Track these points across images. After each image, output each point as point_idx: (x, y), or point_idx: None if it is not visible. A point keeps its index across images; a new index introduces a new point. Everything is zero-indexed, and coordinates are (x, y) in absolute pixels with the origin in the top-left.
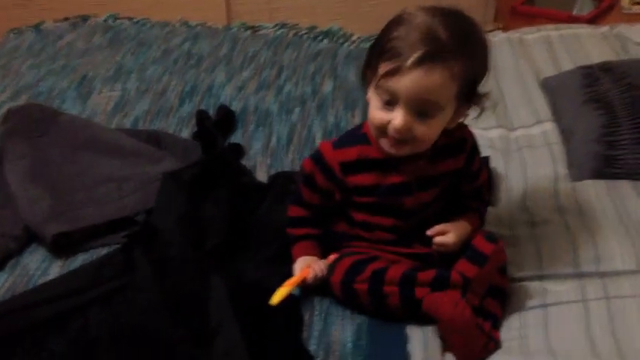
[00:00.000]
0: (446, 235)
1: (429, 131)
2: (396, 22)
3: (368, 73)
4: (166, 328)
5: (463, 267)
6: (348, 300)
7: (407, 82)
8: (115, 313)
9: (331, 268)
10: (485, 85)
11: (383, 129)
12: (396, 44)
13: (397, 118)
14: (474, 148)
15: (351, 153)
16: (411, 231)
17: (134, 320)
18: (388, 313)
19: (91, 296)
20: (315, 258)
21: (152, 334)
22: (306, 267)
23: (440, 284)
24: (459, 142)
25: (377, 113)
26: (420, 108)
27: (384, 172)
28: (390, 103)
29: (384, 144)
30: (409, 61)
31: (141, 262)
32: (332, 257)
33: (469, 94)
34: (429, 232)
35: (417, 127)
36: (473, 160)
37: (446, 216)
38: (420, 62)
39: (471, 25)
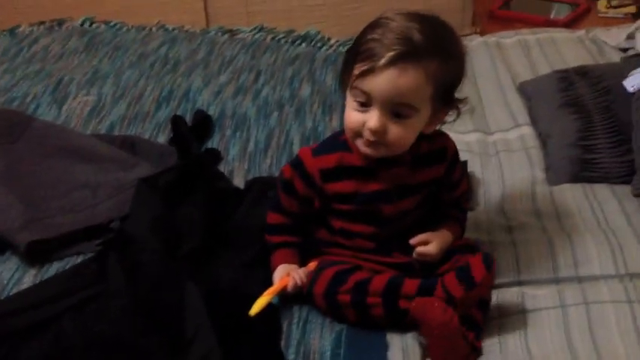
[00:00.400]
0: (428, 245)
1: (404, 133)
2: (373, 25)
3: (345, 77)
4: (140, 336)
5: (450, 284)
6: (331, 311)
7: (381, 81)
8: (89, 322)
9: (313, 279)
10: (463, 90)
11: (358, 131)
12: (371, 45)
13: (372, 119)
14: (455, 157)
15: (331, 160)
16: (390, 239)
17: (107, 329)
18: (372, 323)
19: (65, 305)
20: (294, 266)
21: (126, 343)
22: (286, 275)
23: (424, 295)
24: (440, 151)
25: (352, 115)
26: (395, 109)
27: (363, 179)
28: (364, 105)
29: (360, 144)
30: (382, 61)
31: (114, 270)
32: (312, 265)
33: (445, 98)
34: (411, 242)
35: (392, 129)
36: (454, 169)
37: (426, 224)
38: (393, 62)
39: (446, 30)
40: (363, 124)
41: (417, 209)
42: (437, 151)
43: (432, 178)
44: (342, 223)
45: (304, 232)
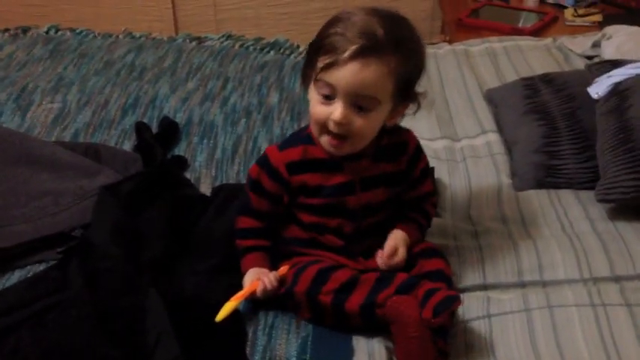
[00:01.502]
0: (397, 253)
1: (367, 125)
2: (335, 20)
3: (308, 70)
4: (101, 345)
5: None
6: (312, 310)
7: (344, 74)
8: (48, 332)
9: (295, 278)
10: (431, 96)
11: (323, 123)
12: (334, 39)
13: (336, 110)
14: (417, 152)
15: (296, 153)
16: (358, 237)
17: (66, 339)
18: (347, 328)
19: (25, 314)
20: (265, 270)
21: (86, 353)
22: (256, 279)
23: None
24: (401, 145)
25: (317, 108)
26: (358, 101)
27: (328, 172)
28: (329, 98)
29: (325, 143)
30: (346, 54)
31: (74, 278)
32: (283, 269)
33: (406, 93)
34: (382, 255)
35: (356, 121)
36: (415, 164)
37: (389, 228)
38: (356, 55)
39: (407, 26)
40: (328, 116)
41: (383, 207)
42: (398, 145)
43: (394, 171)
44: (310, 217)
45: (275, 235)
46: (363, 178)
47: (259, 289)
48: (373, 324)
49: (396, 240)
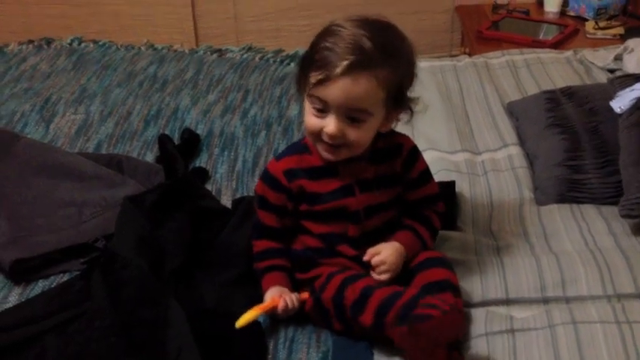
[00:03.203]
0: (380, 254)
1: (361, 135)
2: (325, 33)
3: (301, 82)
4: (123, 355)
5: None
6: (339, 318)
7: (335, 90)
8: (71, 342)
9: (322, 286)
10: (452, 107)
11: (317, 135)
12: (325, 54)
13: (330, 124)
14: (412, 154)
15: (292, 161)
16: (366, 243)
17: (89, 349)
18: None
19: (48, 325)
20: (286, 289)
21: None
22: (278, 296)
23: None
24: (396, 147)
25: (311, 119)
26: (350, 114)
27: (327, 177)
28: (322, 111)
29: (321, 150)
30: (337, 70)
31: (97, 289)
32: (304, 294)
33: (397, 100)
34: (364, 258)
35: (350, 132)
36: (411, 166)
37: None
38: (347, 71)
39: (394, 35)
40: (322, 128)
41: (383, 208)
42: (393, 147)
43: (390, 173)
44: (318, 226)
45: (290, 254)
46: (360, 180)
47: (281, 306)
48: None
49: (379, 245)
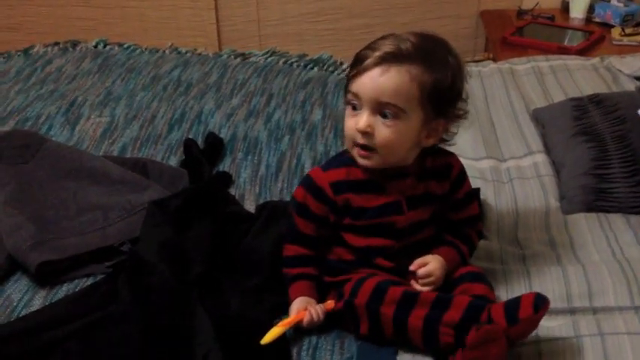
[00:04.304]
0: (428, 264)
1: (392, 136)
2: (377, 38)
3: (346, 90)
4: None
5: (496, 314)
6: (371, 323)
7: (365, 80)
8: (96, 346)
9: (354, 290)
10: (474, 113)
11: (352, 137)
12: (364, 52)
13: (361, 119)
14: (461, 177)
15: (340, 174)
16: (407, 256)
17: (114, 354)
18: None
19: (74, 328)
20: (313, 301)
21: None
22: (303, 309)
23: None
24: (445, 168)
25: (347, 121)
26: (381, 108)
27: (373, 192)
28: (356, 108)
29: (356, 156)
30: (368, 61)
31: (123, 293)
32: (330, 303)
33: (438, 108)
34: (411, 268)
35: (381, 130)
36: (459, 188)
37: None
38: (376, 62)
39: (440, 45)
40: (355, 127)
41: (429, 223)
42: (441, 167)
43: (438, 193)
44: (358, 239)
45: (322, 262)
46: (409, 197)
47: (306, 319)
48: (432, 343)
49: (425, 257)
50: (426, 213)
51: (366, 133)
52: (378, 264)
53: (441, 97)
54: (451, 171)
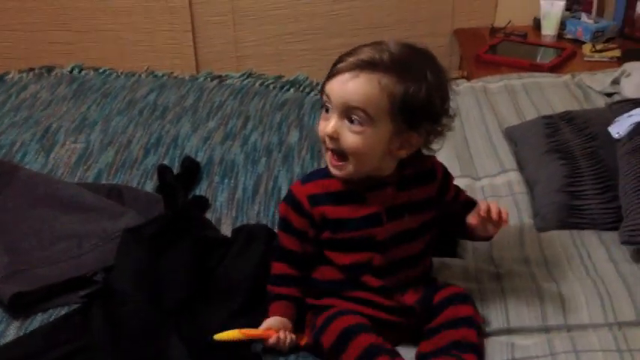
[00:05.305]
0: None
1: (359, 142)
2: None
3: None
4: None
5: None
6: None
7: (335, 83)
8: None
9: (321, 328)
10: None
11: (323, 139)
12: (344, 56)
13: (329, 123)
14: (446, 176)
15: (317, 186)
16: (391, 272)
17: None
18: None
19: (49, 359)
20: (287, 324)
21: None
22: (275, 329)
23: None
24: (428, 172)
25: (319, 123)
26: (349, 112)
27: (352, 204)
28: (327, 111)
29: (328, 163)
30: (341, 64)
31: (97, 323)
32: (303, 339)
33: (410, 120)
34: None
35: (347, 136)
36: (447, 189)
37: (424, 257)
38: (349, 68)
39: (423, 61)
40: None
41: (418, 234)
42: (424, 173)
43: (425, 198)
44: (341, 255)
45: (306, 281)
46: (389, 207)
47: (271, 341)
48: None
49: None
50: (414, 222)
51: (333, 138)
52: (366, 282)
53: (414, 110)
54: (435, 174)
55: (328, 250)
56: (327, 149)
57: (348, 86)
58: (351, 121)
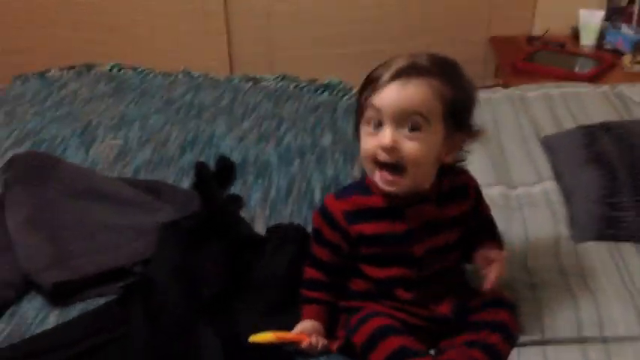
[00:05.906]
0: (491, 265)
1: (419, 149)
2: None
3: (358, 112)
4: None
5: None
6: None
7: (386, 94)
8: None
9: (355, 328)
10: (485, 139)
11: (373, 157)
12: (377, 71)
13: (385, 136)
14: (478, 193)
15: (353, 202)
16: (427, 285)
17: None
18: None
19: (85, 348)
20: (320, 328)
21: None
22: (307, 333)
23: None
24: (462, 188)
25: (366, 142)
26: (405, 119)
27: (389, 220)
28: (377, 125)
29: (379, 181)
30: (386, 75)
31: (135, 314)
32: (334, 345)
33: (458, 121)
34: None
35: (407, 144)
36: (479, 205)
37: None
38: (396, 76)
39: (454, 65)
40: (377, 146)
41: (449, 249)
42: (459, 188)
43: (460, 213)
44: (376, 270)
45: (340, 289)
46: (428, 223)
47: (304, 344)
48: None
49: (488, 253)
50: (451, 237)
51: (393, 149)
52: (398, 295)
53: (461, 111)
54: (468, 190)
55: (363, 263)
56: (379, 165)
57: (401, 93)
58: (408, 129)
